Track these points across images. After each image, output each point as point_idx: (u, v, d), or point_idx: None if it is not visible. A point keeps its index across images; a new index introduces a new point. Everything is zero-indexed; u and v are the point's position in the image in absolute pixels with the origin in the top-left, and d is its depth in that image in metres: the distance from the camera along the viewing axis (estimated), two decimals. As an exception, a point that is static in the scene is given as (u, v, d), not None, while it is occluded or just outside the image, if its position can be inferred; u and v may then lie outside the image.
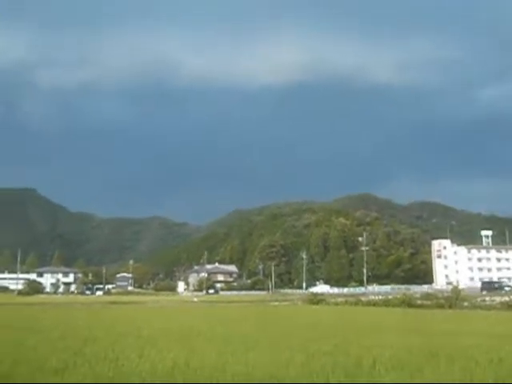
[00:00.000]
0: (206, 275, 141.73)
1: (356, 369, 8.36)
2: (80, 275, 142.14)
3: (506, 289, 69.20)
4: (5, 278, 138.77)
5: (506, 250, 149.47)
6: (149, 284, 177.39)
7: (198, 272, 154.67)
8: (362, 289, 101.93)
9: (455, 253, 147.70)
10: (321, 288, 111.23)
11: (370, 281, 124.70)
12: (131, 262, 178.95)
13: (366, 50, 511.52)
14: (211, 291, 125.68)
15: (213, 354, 10.05)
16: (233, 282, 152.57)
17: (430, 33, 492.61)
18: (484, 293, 51.79)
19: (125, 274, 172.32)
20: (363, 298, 47.29)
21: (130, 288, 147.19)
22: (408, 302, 37.75)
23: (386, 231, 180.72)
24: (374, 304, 40.99)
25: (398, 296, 43.54)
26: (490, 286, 75.84)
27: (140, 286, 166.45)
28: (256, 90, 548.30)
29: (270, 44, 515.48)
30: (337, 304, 45.02)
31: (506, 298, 37.67)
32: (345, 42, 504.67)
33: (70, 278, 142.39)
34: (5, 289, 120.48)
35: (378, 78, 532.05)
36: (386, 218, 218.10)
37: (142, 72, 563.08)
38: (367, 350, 10.57)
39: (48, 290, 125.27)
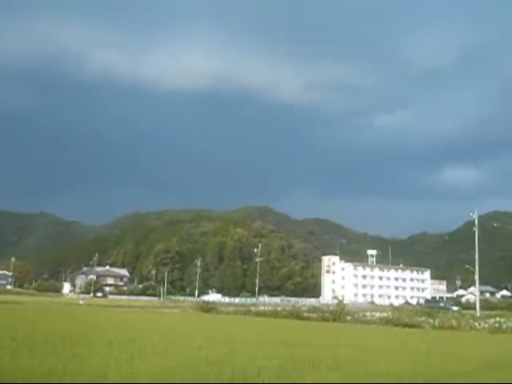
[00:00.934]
0: (95, 278, 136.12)
1: (240, 377, 8.44)
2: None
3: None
4: None
5: (388, 269, 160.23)
6: (31, 284, 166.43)
7: (86, 274, 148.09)
8: (254, 299, 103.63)
9: (343, 269, 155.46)
10: (213, 296, 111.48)
11: (262, 292, 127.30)
12: (13, 259, 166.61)
13: (276, 65, 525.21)
14: (99, 294, 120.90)
15: (94, 360, 9.62)
16: (123, 286, 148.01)
17: (339, 57, 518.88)
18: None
19: (5, 272, 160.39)
20: (253, 309, 48.04)
21: (8, 287, 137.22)
22: (296, 314, 38.96)
23: (281, 244, 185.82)
24: (264, 315, 41.78)
25: (287, 308, 44.88)
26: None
27: (21, 286, 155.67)
28: (165, 93, 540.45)
29: (181, 46, 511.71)
30: (227, 313, 45.29)
31: (385, 314, 40.29)
32: (257, 56, 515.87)
33: None
34: None
35: (285, 95, 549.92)
36: (282, 232, 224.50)
37: (43, 59, 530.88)
38: (253, 361, 10.72)
39: None
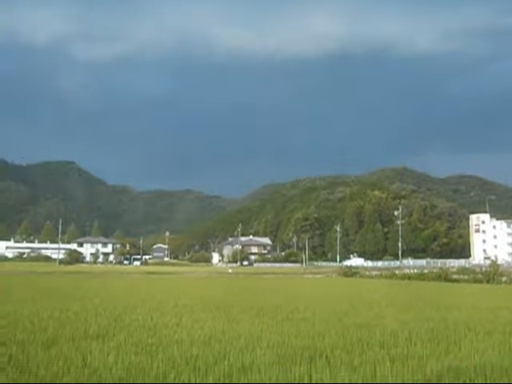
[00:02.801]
0: (240, 247, 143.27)
1: (392, 340, 8.33)
2: (118, 246, 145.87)
3: None
4: (47, 248, 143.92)
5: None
6: (184, 255, 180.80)
7: (232, 244, 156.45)
8: (397, 262, 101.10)
9: (494, 227, 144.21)
10: (355, 261, 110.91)
11: (405, 255, 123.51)
12: (167, 233, 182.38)
13: (409, 17, 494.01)
14: (245, 263, 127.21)
15: (248, 324, 10.19)
16: (267, 254, 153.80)
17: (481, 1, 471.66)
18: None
19: (161, 245, 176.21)
20: (398, 272, 46.97)
21: (166, 259, 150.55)
22: (444, 276, 37.31)
23: (423, 205, 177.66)
24: (409, 277, 40.68)
25: (434, 270, 43.07)
26: None
27: (176, 257, 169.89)
28: (293, 63, 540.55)
29: (305, 14, 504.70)
30: (371, 277, 44.88)
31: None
32: (388, 10, 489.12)
33: (109, 248, 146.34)
34: (47, 258, 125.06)
35: (419, 47, 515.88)
36: (423, 192, 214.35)
37: (177, 45, 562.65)
38: (402, 324, 10.51)
39: (88, 259, 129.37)
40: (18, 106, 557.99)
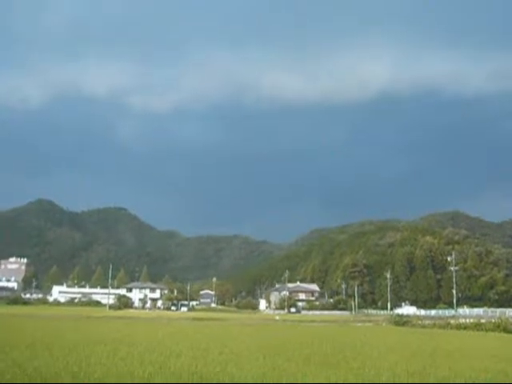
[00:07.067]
0: (288, 294, 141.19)
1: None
2: (166, 291, 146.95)
3: None
4: (97, 293, 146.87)
5: None
6: (231, 301, 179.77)
7: (279, 290, 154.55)
8: (452, 311, 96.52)
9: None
10: (407, 309, 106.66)
11: (461, 303, 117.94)
12: (214, 279, 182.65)
13: (454, 58, 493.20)
14: (293, 310, 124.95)
15: (293, 372, 9.94)
16: (314, 301, 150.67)
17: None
18: None
19: (208, 291, 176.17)
20: (452, 321, 44.83)
21: (213, 305, 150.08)
22: (504, 327, 35.23)
23: (477, 251, 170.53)
24: (465, 327, 38.67)
25: (493, 320, 40.83)
26: None
27: (222, 303, 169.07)
28: (340, 107, 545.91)
29: (353, 57, 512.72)
30: (423, 326, 43.01)
31: None
32: (431, 52, 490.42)
33: (157, 293, 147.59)
34: (97, 303, 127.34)
35: (464, 87, 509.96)
36: (477, 237, 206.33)
37: (226, 94, 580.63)
38: (457, 374, 9.98)
39: (136, 304, 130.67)
40: (74, 154, 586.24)
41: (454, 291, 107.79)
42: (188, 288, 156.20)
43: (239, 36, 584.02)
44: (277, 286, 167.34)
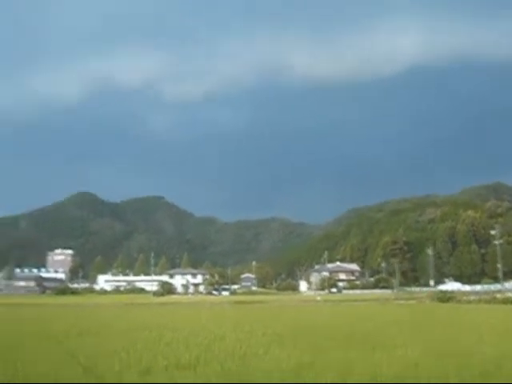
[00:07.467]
0: (328, 274, 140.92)
1: (492, 368, 7.78)
2: (207, 276, 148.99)
3: None
4: (141, 281, 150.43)
5: None
6: (271, 284, 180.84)
7: (319, 271, 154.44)
8: (498, 286, 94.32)
9: None
10: (451, 285, 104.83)
11: (507, 277, 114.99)
12: (254, 262, 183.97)
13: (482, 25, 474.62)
14: (334, 290, 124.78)
15: (338, 353, 9.97)
16: (355, 280, 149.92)
17: None
18: None
19: (248, 275, 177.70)
20: (499, 296, 43.87)
21: (253, 288, 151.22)
22: (552, 300, 34.25)
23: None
24: (512, 302, 37.79)
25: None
26: None
27: (263, 286, 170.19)
28: (372, 82, 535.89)
29: (382, 31, 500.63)
30: (469, 302, 42.27)
31: None
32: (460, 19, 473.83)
33: (198, 279, 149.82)
34: (141, 290, 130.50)
35: (498, 54, 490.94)
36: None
37: (257, 77, 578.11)
38: (503, 352, 9.79)
39: (179, 290, 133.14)
40: (111, 147, 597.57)
41: (499, 265, 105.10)
42: (229, 272, 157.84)
43: (269, 19, 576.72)
44: (316, 266, 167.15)
